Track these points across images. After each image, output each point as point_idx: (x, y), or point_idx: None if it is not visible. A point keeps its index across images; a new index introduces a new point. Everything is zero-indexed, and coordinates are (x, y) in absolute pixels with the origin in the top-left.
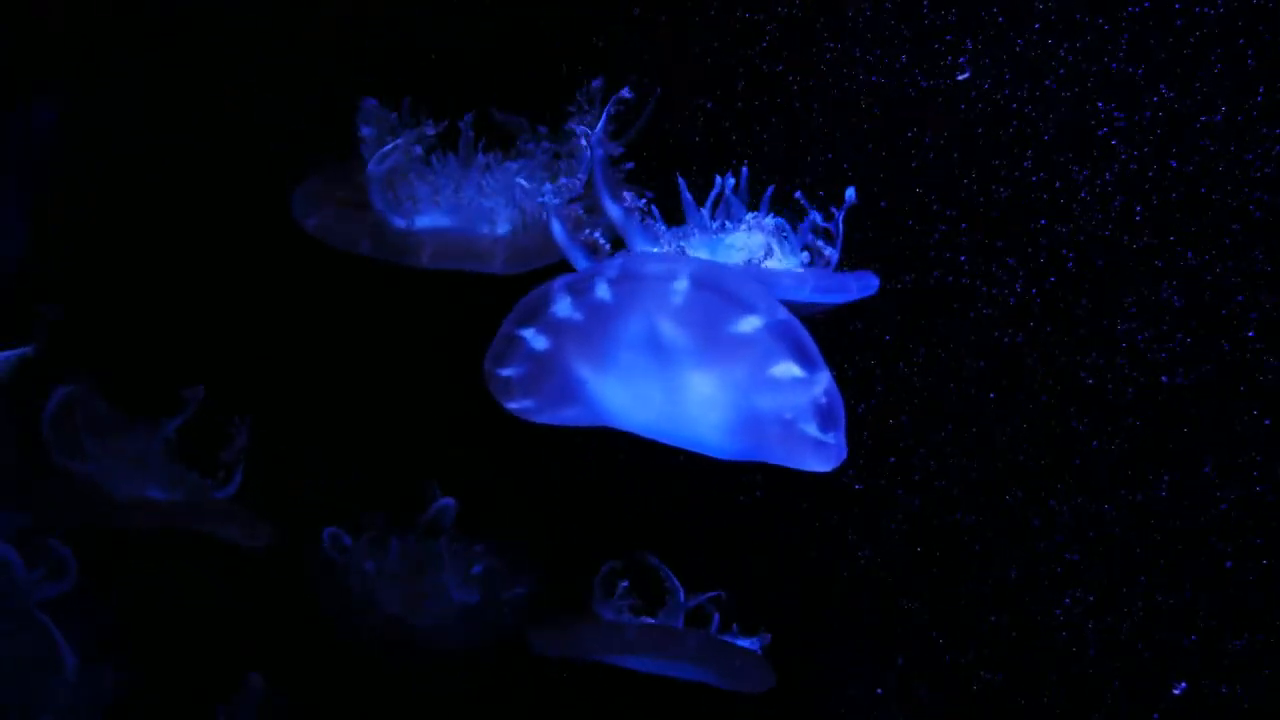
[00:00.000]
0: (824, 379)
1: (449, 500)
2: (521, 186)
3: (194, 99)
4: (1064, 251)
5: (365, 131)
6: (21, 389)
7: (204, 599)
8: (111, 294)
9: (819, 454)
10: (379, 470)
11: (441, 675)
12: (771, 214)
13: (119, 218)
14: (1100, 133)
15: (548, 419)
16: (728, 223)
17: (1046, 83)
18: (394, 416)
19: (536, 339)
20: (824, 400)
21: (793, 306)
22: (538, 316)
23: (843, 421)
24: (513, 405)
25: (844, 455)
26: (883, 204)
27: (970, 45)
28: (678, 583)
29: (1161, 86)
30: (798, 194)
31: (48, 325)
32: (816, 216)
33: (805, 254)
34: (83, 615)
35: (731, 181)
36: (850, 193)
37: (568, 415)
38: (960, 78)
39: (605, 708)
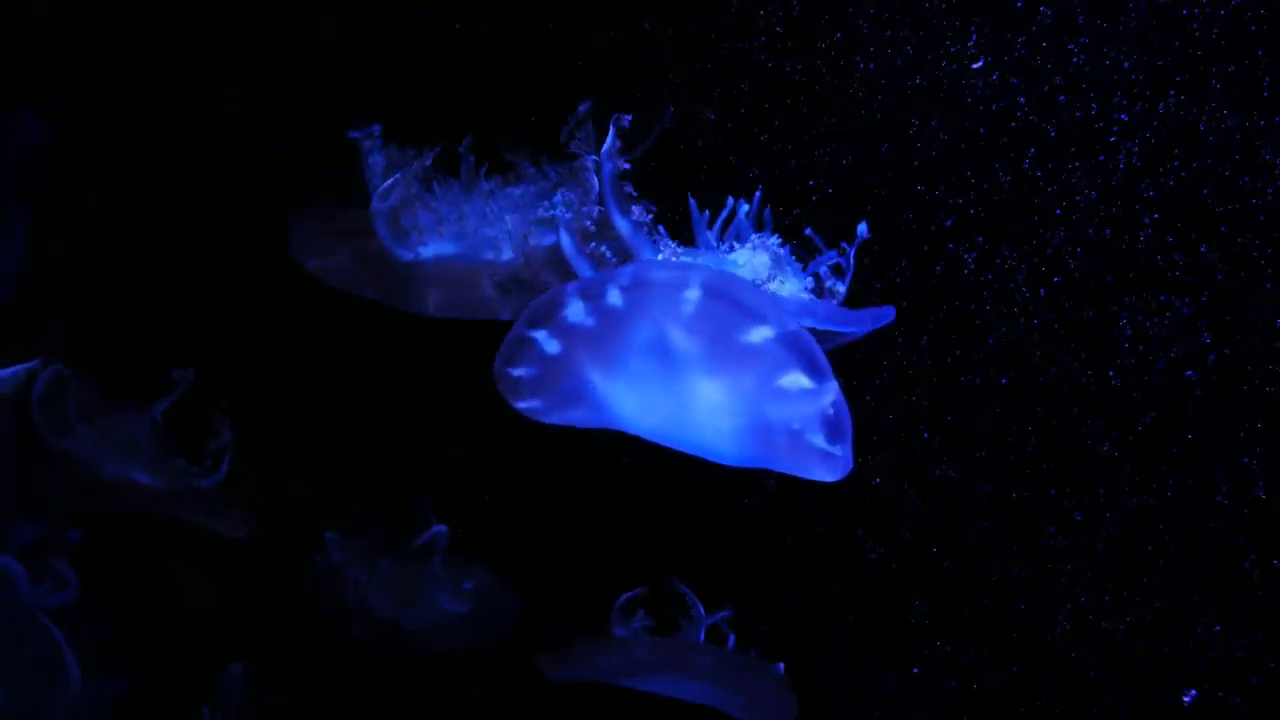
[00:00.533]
0: (832, 390)
1: (441, 527)
2: (524, 213)
3: (192, 103)
4: (1077, 250)
5: (368, 162)
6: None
7: (203, 600)
8: (111, 295)
9: (826, 464)
10: (379, 471)
11: (435, 676)
12: (777, 235)
13: (119, 220)
14: (1113, 130)
15: (556, 419)
16: (735, 243)
17: (1057, 80)
18: (395, 417)
19: (548, 342)
20: (831, 412)
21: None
22: (550, 319)
23: (850, 433)
24: (522, 405)
25: (850, 466)
26: (889, 204)
27: (982, 40)
28: (698, 602)
29: (1177, 78)
30: (808, 230)
31: (51, 341)
32: (831, 256)
33: (810, 279)
34: (86, 625)
35: (745, 207)
36: (862, 228)
37: (576, 417)
38: (975, 66)
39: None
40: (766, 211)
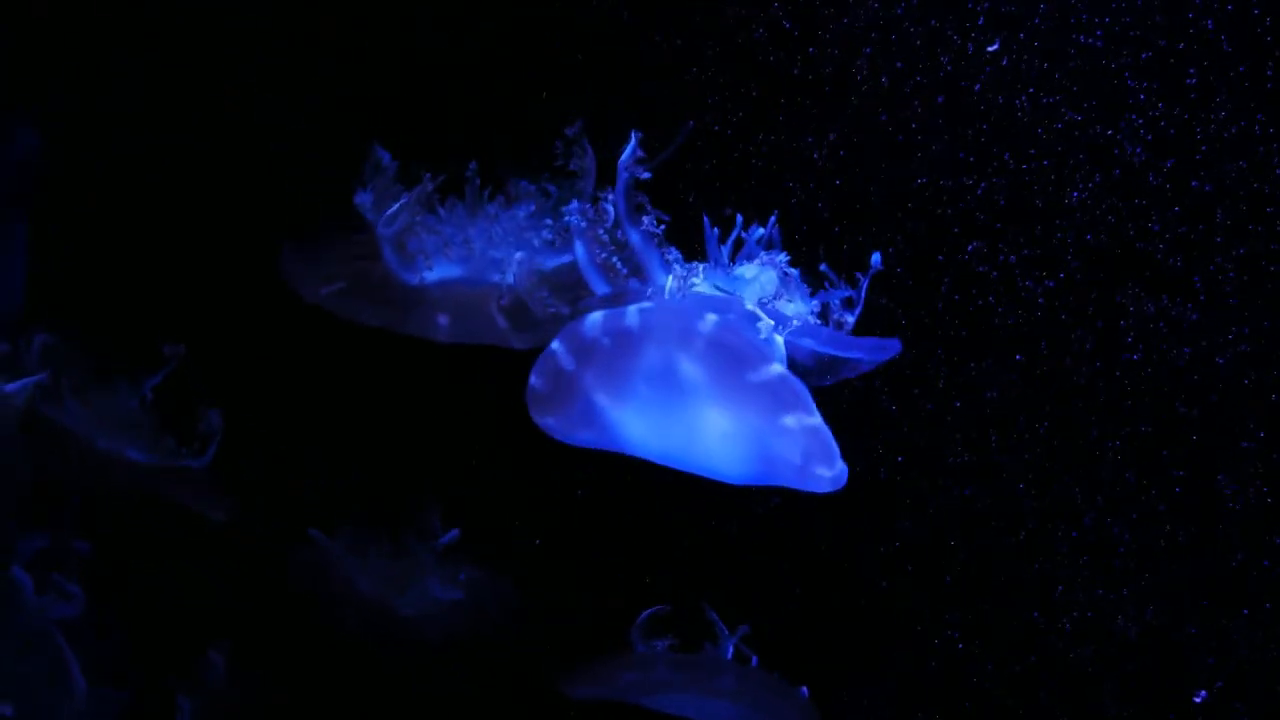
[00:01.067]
0: (819, 422)
1: (455, 533)
2: (529, 234)
3: (191, 104)
4: (1087, 237)
5: (371, 186)
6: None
7: (201, 598)
8: (109, 299)
9: (827, 483)
10: (377, 467)
11: (427, 667)
12: (786, 254)
13: (117, 223)
14: (1120, 125)
15: (571, 439)
16: (744, 260)
17: (1068, 66)
18: (395, 415)
19: (565, 358)
20: (824, 442)
21: (819, 364)
22: (569, 338)
23: (838, 451)
24: (541, 421)
25: (844, 481)
26: (895, 197)
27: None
28: (720, 622)
29: (1190, 70)
30: (823, 266)
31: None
32: (843, 290)
33: (818, 304)
34: (91, 634)
35: (759, 231)
36: (875, 258)
37: (586, 437)
38: (990, 49)
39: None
40: (776, 231)
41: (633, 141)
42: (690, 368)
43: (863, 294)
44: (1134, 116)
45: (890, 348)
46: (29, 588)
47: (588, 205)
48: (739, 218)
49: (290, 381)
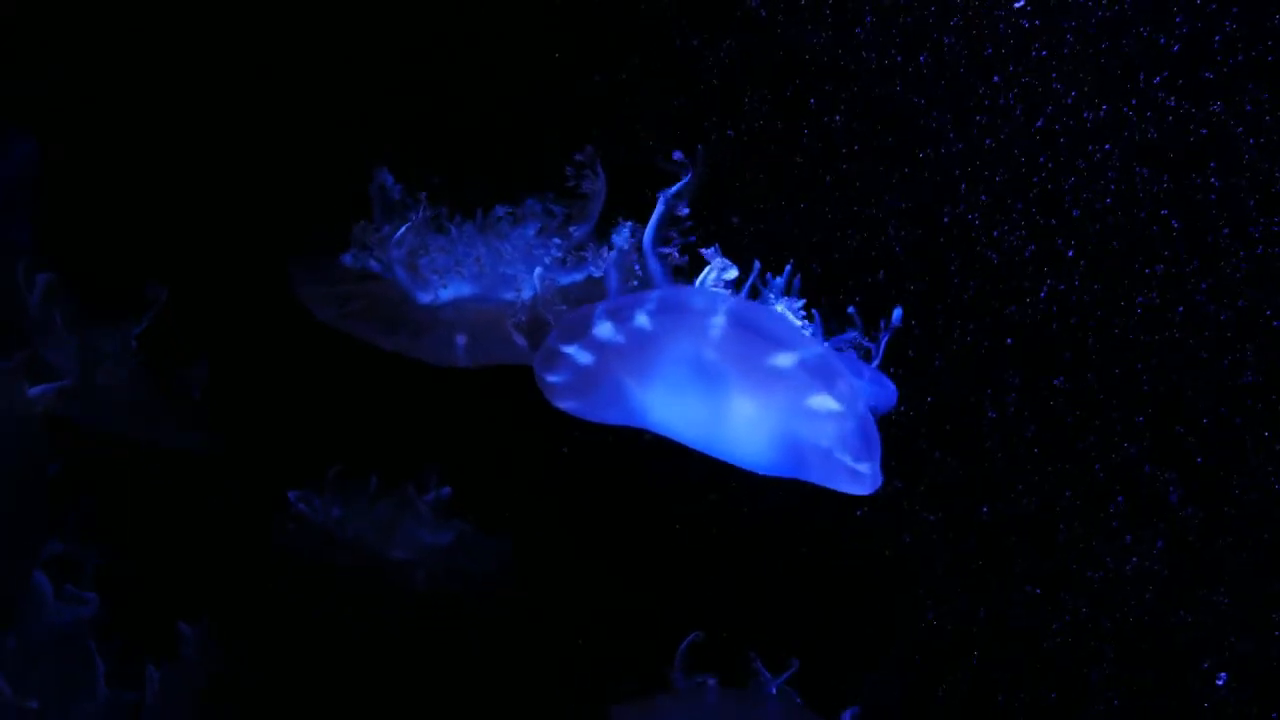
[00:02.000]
0: (856, 414)
1: (447, 489)
2: (539, 252)
3: (199, 124)
4: (1095, 220)
5: (378, 207)
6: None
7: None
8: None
9: (854, 481)
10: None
11: (413, 616)
12: (802, 299)
13: (117, 231)
14: (1126, 117)
15: (594, 418)
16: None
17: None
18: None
19: (580, 354)
20: (858, 432)
21: None
22: (580, 336)
23: (878, 452)
24: (561, 405)
25: (879, 483)
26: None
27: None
28: (759, 661)
29: (1203, 67)
30: (850, 309)
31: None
32: (859, 337)
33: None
34: (107, 636)
35: (779, 283)
36: (897, 313)
37: (612, 416)
38: (1017, 5)
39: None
40: (797, 280)
41: (686, 177)
42: (712, 355)
43: (881, 348)
44: (1145, 96)
45: (887, 395)
46: (49, 591)
47: (630, 229)
48: (756, 263)
49: (283, 357)
